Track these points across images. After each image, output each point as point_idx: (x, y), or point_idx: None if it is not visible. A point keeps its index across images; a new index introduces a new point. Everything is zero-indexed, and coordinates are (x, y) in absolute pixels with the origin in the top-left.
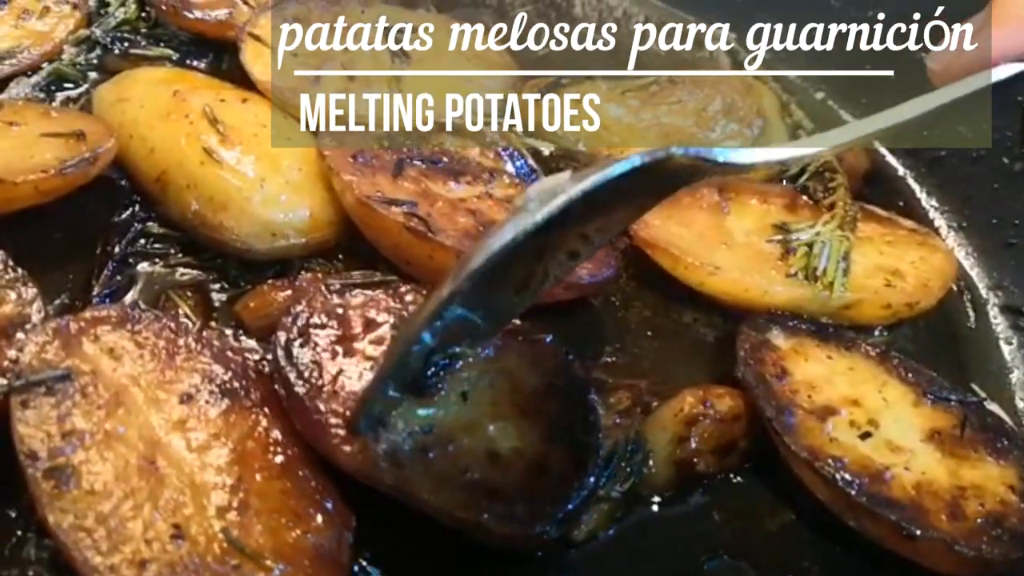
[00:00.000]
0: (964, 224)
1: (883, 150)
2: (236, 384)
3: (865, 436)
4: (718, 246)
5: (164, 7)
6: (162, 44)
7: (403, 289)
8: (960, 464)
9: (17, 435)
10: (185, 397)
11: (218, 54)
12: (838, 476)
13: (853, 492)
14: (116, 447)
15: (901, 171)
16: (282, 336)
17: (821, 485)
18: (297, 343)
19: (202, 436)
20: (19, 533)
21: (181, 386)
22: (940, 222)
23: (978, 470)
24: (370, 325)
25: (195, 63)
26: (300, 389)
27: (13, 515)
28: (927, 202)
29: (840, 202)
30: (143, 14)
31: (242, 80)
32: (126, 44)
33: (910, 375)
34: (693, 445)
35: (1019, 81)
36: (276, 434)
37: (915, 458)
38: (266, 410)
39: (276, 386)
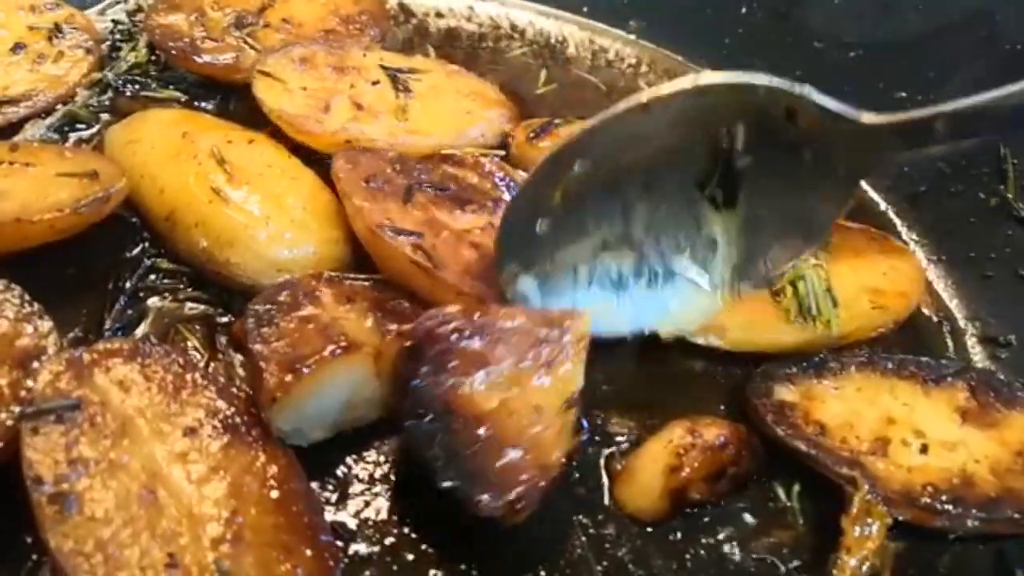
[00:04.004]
0: (943, 257)
1: (866, 186)
2: (238, 419)
3: (924, 449)
4: None
5: (174, 52)
6: (171, 86)
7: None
8: (999, 430)
9: (25, 460)
10: (189, 430)
11: (225, 95)
12: (939, 507)
13: (966, 514)
14: (119, 476)
15: (883, 206)
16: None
17: (928, 518)
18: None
19: (202, 469)
20: (34, 557)
21: (185, 419)
22: (920, 255)
23: (1014, 428)
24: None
25: (203, 104)
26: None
27: (29, 540)
28: (907, 236)
29: None
30: (153, 58)
31: (248, 120)
32: (137, 86)
33: (903, 369)
34: (685, 473)
35: None
36: (273, 469)
37: (969, 446)
38: (265, 446)
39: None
